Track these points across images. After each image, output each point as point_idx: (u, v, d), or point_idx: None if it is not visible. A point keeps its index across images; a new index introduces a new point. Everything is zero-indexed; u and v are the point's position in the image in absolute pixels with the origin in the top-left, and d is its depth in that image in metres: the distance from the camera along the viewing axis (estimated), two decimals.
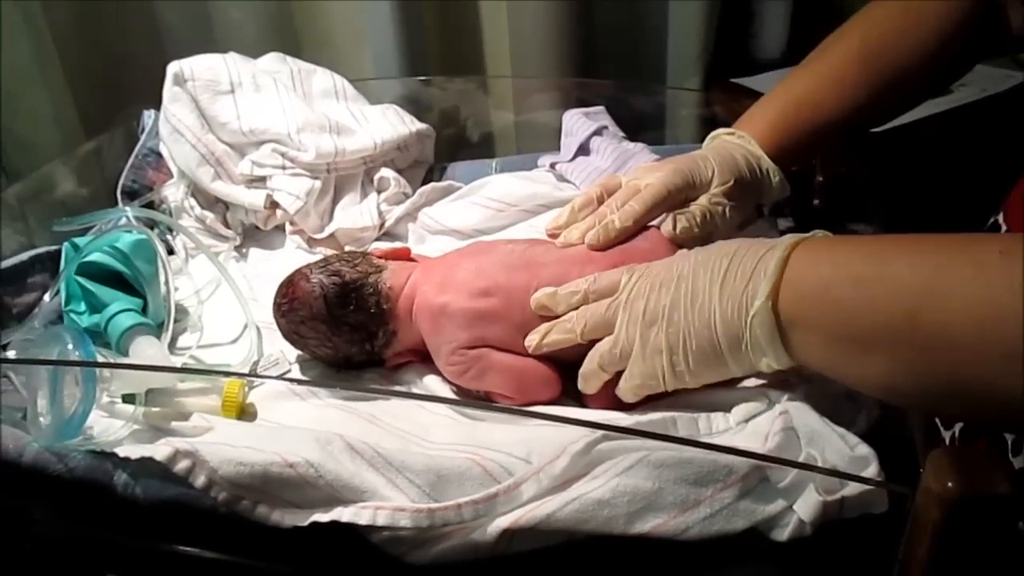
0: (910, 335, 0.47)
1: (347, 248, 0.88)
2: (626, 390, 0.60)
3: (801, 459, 0.51)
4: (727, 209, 0.70)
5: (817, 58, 0.78)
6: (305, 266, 0.73)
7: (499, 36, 1.21)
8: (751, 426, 0.55)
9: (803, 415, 0.53)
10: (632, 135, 0.94)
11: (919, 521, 0.42)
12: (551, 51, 1.16)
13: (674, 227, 0.68)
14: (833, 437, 0.51)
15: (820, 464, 0.50)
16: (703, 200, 0.70)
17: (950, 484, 0.40)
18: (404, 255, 0.76)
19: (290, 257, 0.88)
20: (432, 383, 0.70)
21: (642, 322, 0.58)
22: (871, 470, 0.49)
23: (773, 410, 0.54)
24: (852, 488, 0.48)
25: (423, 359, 0.70)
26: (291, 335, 0.71)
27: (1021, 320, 0.43)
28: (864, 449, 0.50)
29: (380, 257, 0.73)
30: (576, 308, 0.63)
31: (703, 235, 0.69)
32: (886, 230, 0.78)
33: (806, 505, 0.49)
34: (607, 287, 0.61)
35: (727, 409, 0.58)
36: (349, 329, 0.69)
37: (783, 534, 0.50)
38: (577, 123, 0.93)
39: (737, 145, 0.75)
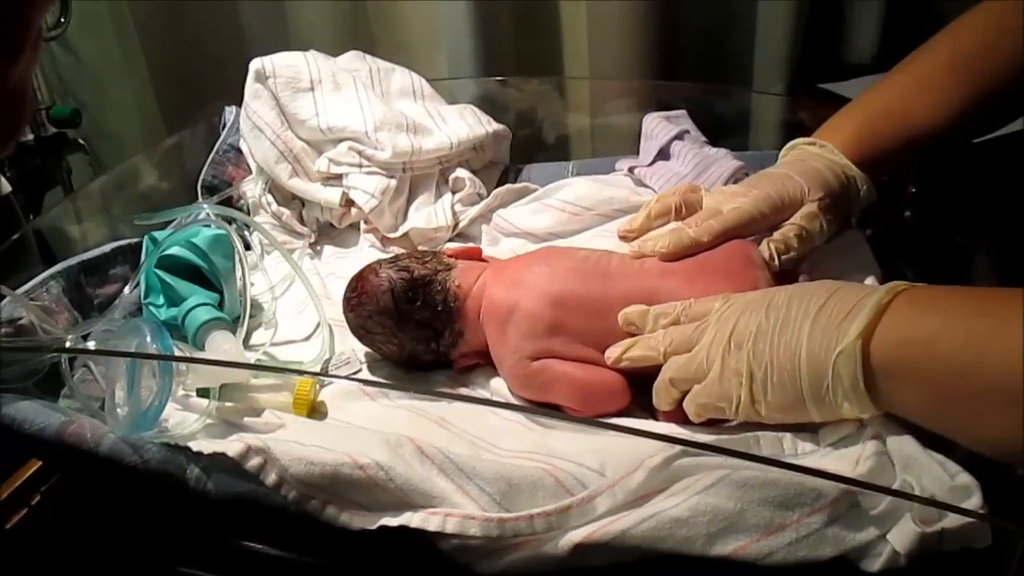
0: None
1: (420, 248, 0.88)
2: (690, 407, 0.58)
3: (896, 486, 0.48)
4: (824, 223, 0.68)
5: (904, 68, 0.75)
6: (375, 261, 0.73)
7: (578, 36, 1.19)
8: (841, 449, 0.52)
9: (898, 439, 0.50)
10: (714, 140, 0.91)
11: None
12: (631, 52, 1.14)
13: (771, 256, 0.66)
14: (931, 464, 0.48)
15: (917, 492, 0.47)
16: (798, 218, 0.68)
17: None
18: (475, 254, 0.75)
19: (364, 255, 0.88)
20: (501, 386, 0.68)
21: (725, 345, 0.56)
22: (973, 501, 0.46)
23: (865, 432, 0.52)
24: (952, 520, 0.45)
25: (491, 362, 0.69)
26: (359, 330, 0.71)
27: None
28: (965, 478, 0.47)
29: (451, 256, 0.73)
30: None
31: (802, 255, 0.67)
32: (981, 244, 0.74)
33: (901, 535, 0.46)
34: (700, 313, 0.60)
35: (814, 430, 0.55)
36: (415, 326, 0.69)
37: (875, 564, 0.47)
38: (658, 126, 0.91)
39: (819, 156, 0.72)
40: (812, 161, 0.72)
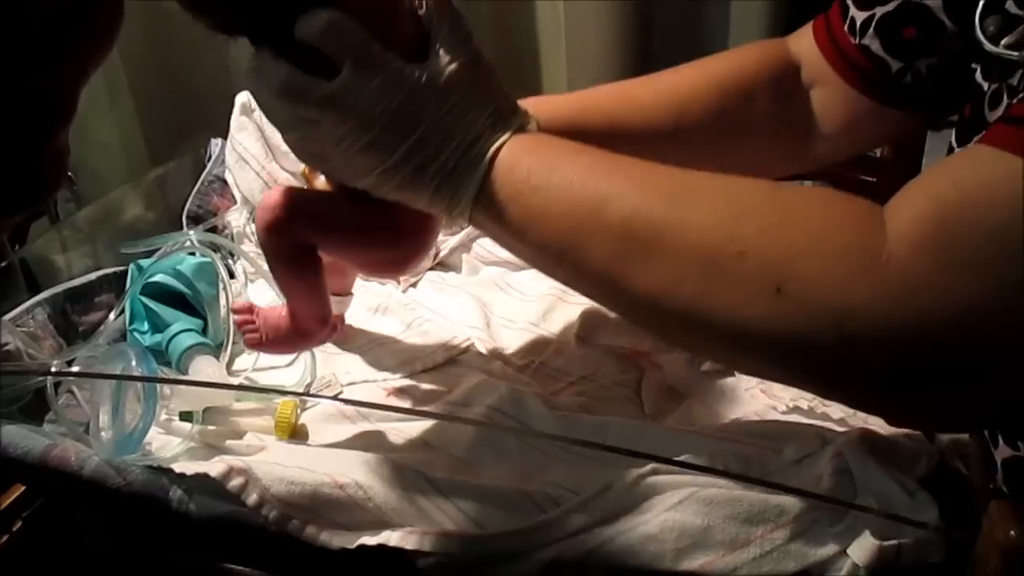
0: None
1: (402, 278, 0.89)
2: None
3: (856, 502, 0.50)
4: None
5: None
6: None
7: (557, 60, 1.21)
8: (804, 467, 0.54)
9: (859, 457, 0.52)
10: None
11: (980, 570, 0.41)
12: (609, 75, 1.17)
13: None
14: (890, 481, 0.50)
15: (876, 508, 0.49)
16: None
17: (1012, 533, 0.39)
18: None
19: None
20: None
21: None
22: (930, 516, 0.48)
23: (827, 451, 0.53)
24: (909, 534, 0.47)
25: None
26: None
27: None
28: (922, 495, 0.49)
29: None
30: None
31: None
32: None
33: (861, 550, 0.48)
34: None
35: (778, 449, 0.57)
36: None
37: None
38: None
39: None
40: None
